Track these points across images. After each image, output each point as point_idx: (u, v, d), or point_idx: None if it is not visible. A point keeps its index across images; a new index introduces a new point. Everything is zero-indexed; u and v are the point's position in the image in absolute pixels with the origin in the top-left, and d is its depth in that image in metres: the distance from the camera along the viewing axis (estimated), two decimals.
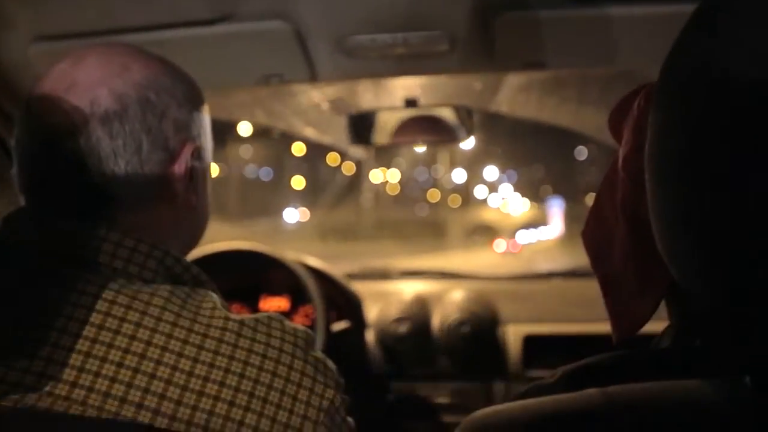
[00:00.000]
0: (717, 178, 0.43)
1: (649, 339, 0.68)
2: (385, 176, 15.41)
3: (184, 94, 0.78)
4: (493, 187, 16.90)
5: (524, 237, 14.64)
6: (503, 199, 16.87)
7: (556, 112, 2.13)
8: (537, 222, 15.13)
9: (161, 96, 0.75)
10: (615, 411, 0.49)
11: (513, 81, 1.87)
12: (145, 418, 0.62)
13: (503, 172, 16.63)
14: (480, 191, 16.99)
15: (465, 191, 16.82)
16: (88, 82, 0.72)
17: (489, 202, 17.03)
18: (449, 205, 16.25)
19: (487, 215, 16.25)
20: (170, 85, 0.77)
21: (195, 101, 0.80)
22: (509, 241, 13.75)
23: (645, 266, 0.63)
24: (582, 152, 14.69)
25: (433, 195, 16.20)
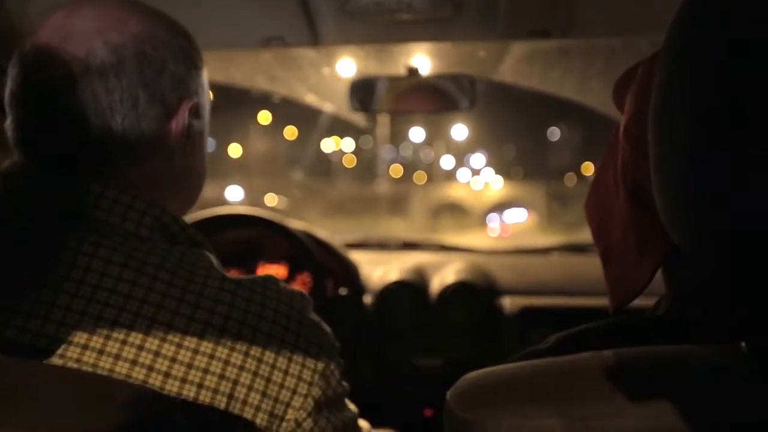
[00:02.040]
0: (722, 139, 0.43)
1: (644, 312, 0.68)
2: (338, 145, 13.73)
3: (182, 49, 0.76)
4: (460, 157, 15.33)
5: (508, 218, 13.80)
6: (474, 172, 14.88)
7: (560, 84, 2.12)
8: (512, 201, 14.27)
9: (159, 50, 0.73)
10: (609, 373, 0.49)
11: (517, 50, 1.85)
12: (139, 374, 0.62)
13: (473, 153, 15.39)
14: (446, 161, 15.64)
15: (430, 163, 15.21)
16: (84, 34, 0.70)
17: (458, 176, 15.59)
18: (414, 181, 14.80)
19: (455, 192, 14.94)
20: (168, 39, 0.75)
21: (193, 57, 0.78)
22: (488, 223, 12.82)
23: (643, 233, 0.63)
24: (555, 133, 14.29)
25: (396, 170, 14.77)
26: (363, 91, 1.57)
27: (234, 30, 1.24)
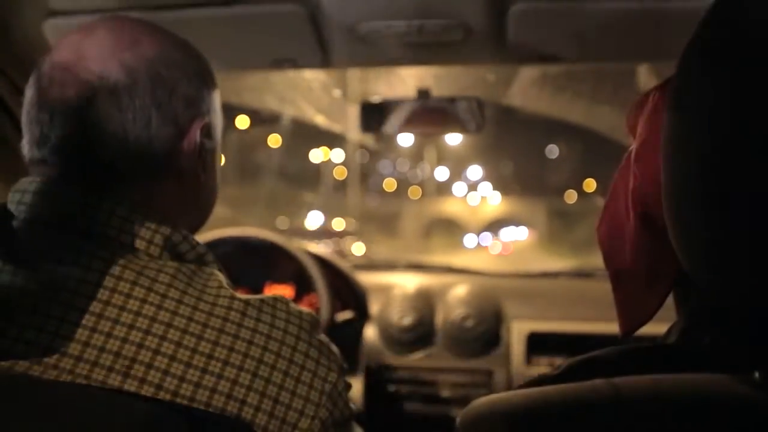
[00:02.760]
0: (735, 172, 0.43)
1: (654, 339, 0.67)
2: (326, 155, 12.98)
3: (195, 70, 0.77)
4: (455, 169, 14.73)
5: (504, 236, 13.23)
6: (470, 187, 14.11)
7: (568, 108, 2.12)
8: (510, 218, 13.80)
9: (172, 71, 0.74)
10: (621, 402, 0.48)
11: (526, 74, 1.86)
12: (147, 392, 0.62)
13: (468, 166, 14.77)
14: (441, 173, 14.76)
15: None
16: (99, 55, 0.72)
17: (453, 190, 14.83)
18: (409, 196, 13.82)
19: (450, 207, 14.27)
20: (181, 60, 0.76)
21: (205, 78, 0.79)
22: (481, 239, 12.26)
23: (653, 259, 0.63)
24: (553, 150, 14.10)
25: (389, 184, 14.30)
26: (373, 113, 1.58)
27: (246, 51, 1.26)
